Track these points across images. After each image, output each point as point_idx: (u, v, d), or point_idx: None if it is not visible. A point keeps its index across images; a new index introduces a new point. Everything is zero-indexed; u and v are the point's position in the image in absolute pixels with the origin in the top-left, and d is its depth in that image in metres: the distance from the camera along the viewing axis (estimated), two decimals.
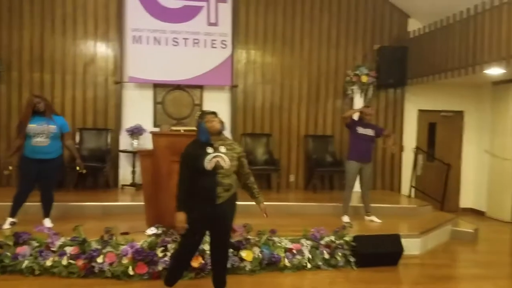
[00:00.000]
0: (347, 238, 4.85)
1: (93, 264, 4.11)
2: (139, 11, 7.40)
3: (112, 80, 7.52)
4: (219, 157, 3.34)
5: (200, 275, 4.13)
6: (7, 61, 7.18)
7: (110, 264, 4.13)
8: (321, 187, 7.91)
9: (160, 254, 4.20)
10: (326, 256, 4.69)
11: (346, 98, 8.11)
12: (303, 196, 7.25)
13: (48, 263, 4.12)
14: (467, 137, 8.57)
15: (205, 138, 3.40)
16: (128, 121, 7.47)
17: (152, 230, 4.62)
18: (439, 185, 8.14)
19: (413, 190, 8.31)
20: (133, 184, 7.26)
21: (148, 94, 7.67)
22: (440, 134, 8.58)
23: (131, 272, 4.10)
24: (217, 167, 3.31)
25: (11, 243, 4.22)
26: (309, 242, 4.74)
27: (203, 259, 4.18)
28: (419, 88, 8.19)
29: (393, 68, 7.90)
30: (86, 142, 7.25)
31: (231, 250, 4.40)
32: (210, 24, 7.65)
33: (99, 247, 4.22)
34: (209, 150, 3.36)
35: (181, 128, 5.74)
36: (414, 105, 8.40)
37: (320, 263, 4.65)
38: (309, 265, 4.60)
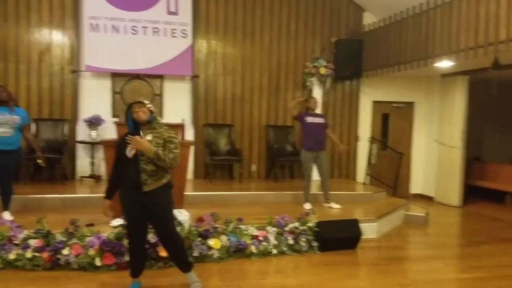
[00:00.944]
0: (310, 224, 5.04)
1: (59, 256, 4.07)
2: None
3: (68, 69, 7.30)
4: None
5: (169, 264, 4.16)
6: None
7: (76, 256, 4.09)
8: (282, 176, 8.10)
9: (127, 245, 4.20)
10: (291, 242, 4.87)
11: (305, 89, 8.30)
12: (265, 185, 7.38)
13: (11, 256, 4.03)
14: (417, 127, 9.01)
15: (130, 127, 3.49)
16: (86, 112, 7.31)
17: (117, 221, 4.62)
18: (392, 172, 8.57)
19: (368, 177, 8.70)
20: (92, 176, 7.13)
21: (106, 83, 7.51)
22: (393, 124, 8.97)
23: (98, 263, 4.08)
24: (138, 154, 3.34)
25: None
26: (274, 229, 4.89)
27: None
28: (373, 80, 8.52)
29: (350, 60, 8.18)
30: (42, 133, 7.03)
31: (198, 238, 4.48)
32: (170, 13, 7.57)
33: (64, 239, 4.16)
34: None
35: None
36: (368, 97, 8.73)
37: (285, 248, 4.82)
38: (274, 251, 4.76)
